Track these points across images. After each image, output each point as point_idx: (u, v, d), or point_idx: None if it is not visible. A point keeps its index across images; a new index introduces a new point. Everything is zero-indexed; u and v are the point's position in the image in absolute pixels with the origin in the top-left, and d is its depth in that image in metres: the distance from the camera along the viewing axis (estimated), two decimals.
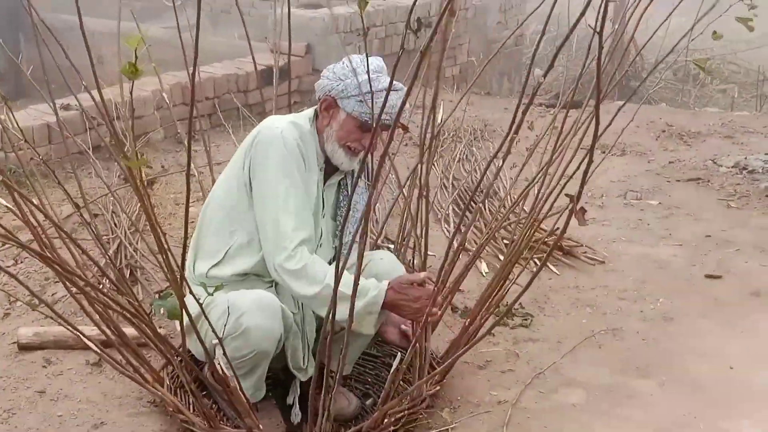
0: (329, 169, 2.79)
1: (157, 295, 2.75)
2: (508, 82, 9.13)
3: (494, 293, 3.08)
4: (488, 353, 3.29)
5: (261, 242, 2.66)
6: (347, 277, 2.36)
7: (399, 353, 2.74)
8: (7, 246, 3.76)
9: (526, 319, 3.57)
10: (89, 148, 4.56)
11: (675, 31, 3.17)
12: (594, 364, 3.25)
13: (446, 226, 4.62)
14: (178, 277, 2.25)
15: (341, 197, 2.84)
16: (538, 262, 4.06)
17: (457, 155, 5.69)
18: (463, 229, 4.55)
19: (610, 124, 2.86)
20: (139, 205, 4.48)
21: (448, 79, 8.00)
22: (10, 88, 7.77)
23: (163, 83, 5.63)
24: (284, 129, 2.64)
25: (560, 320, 3.59)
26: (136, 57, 1.89)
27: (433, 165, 5.51)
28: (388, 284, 2.64)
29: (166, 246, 2.24)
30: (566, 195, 2.41)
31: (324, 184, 2.80)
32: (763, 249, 4.31)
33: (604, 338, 3.44)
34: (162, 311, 2.44)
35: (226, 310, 2.55)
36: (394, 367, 2.61)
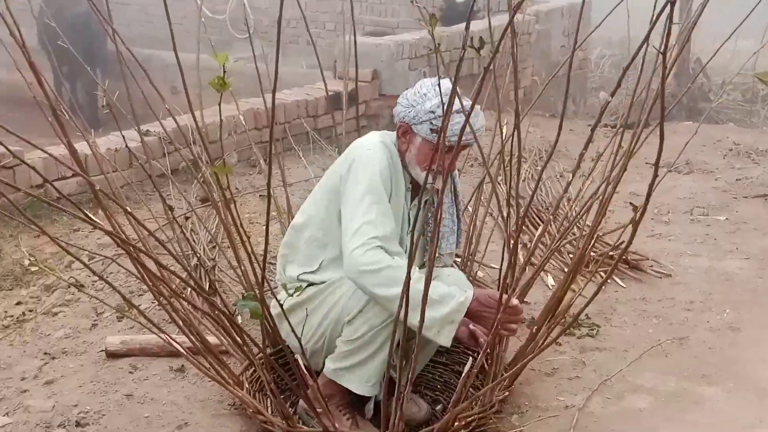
0: (415, 188, 2.93)
1: (241, 296, 2.90)
2: (573, 105, 9.19)
3: (559, 302, 3.18)
4: (555, 361, 3.38)
5: (342, 248, 2.74)
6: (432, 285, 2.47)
7: (471, 358, 2.85)
8: (95, 260, 3.99)
9: (592, 329, 3.64)
10: (168, 171, 4.78)
11: (741, 52, 3.25)
12: (660, 371, 3.31)
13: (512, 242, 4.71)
14: (261, 280, 2.41)
15: (429, 214, 2.90)
16: (603, 275, 4.14)
17: (523, 175, 5.79)
18: (529, 244, 4.66)
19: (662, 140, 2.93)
20: (216, 222, 4.68)
21: (512, 102, 8.10)
22: (86, 118, 8.10)
23: (232, 109, 5.87)
24: (376, 149, 2.80)
25: (626, 330, 3.66)
26: (225, 71, 2.05)
27: (499, 183, 5.63)
28: (473, 294, 2.74)
29: (250, 249, 2.40)
30: (631, 204, 2.53)
31: (410, 203, 2.94)
32: None
33: (671, 347, 3.49)
34: (245, 312, 2.60)
35: (347, 291, 2.76)
36: (466, 370, 2.71)
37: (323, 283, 2.86)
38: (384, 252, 2.64)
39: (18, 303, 3.85)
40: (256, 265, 2.63)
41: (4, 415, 2.94)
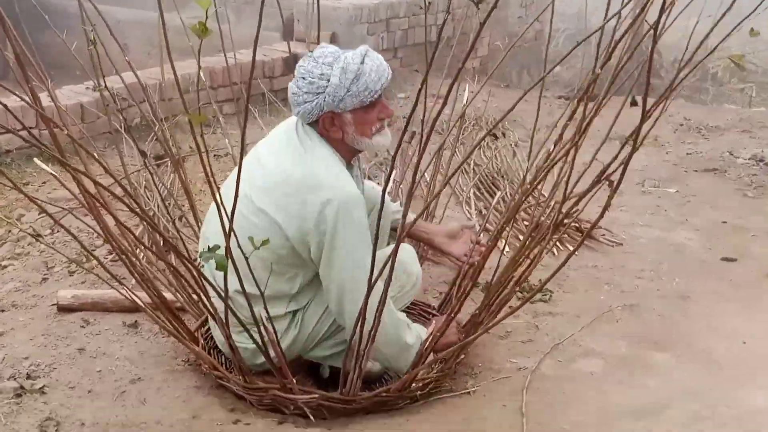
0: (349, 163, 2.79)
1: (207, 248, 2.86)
2: (528, 76, 9.22)
3: (515, 268, 3.19)
4: (509, 325, 3.40)
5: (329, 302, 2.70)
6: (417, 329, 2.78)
7: (433, 320, 2.88)
8: (42, 216, 3.92)
9: (545, 295, 3.68)
10: (122, 127, 4.70)
11: (696, 31, 3.27)
12: (611, 336, 3.36)
13: (467, 208, 4.73)
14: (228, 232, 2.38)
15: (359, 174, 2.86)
16: (559, 244, 4.18)
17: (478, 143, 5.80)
18: (484, 212, 4.69)
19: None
20: (172, 179, 4.63)
21: (468, 70, 8.11)
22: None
23: (191, 67, 5.78)
24: (346, 186, 2.60)
25: (579, 296, 3.70)
26: (207, 16, 2.01)
27: (455, 152, 5.64)
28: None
29: (220, 200, 2.37)
30: (607, 180, 2.55)
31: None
32: None
33: (622, 313, 3.55)
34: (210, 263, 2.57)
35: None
36: (425, 336, 2.75)
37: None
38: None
39: None
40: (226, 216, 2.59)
41: None
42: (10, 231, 4.00)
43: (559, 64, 2.91)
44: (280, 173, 2.62)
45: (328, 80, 2.54)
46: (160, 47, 3.68)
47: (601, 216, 2.41)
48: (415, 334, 2.83)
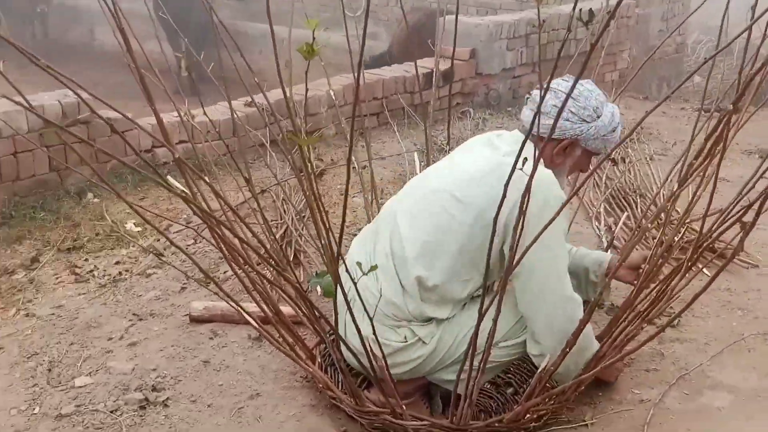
0: None
1: (314, 274, 2.67)
2: (667, 88, 8.63)
3: (641, 294, 2.82)
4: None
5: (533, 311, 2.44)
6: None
7: (547, 355, 2.55)
8: (190, 224, 3.83)
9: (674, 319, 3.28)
10: (267, 142, 4.61)
11: None
12: (742, 367, 2.94)
13: (597, 223, 4.35)
14: (335, 256, 2.17)
15: None
16: (694, 267, 3.75)
17: (612, 156, 5.38)
18: (613, 227, 4.29)
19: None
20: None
21: (607, 83, 7.64)
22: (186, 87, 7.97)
23: (335, 84, 5.63)
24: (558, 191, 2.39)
25: (709, 322, 3.29)
26: (314, 38, 1.84)
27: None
28: None
29: (327, 225, 2.17)
30: (740, 222, 2.21)
31: None
32: None
33: (755, 342, 3.11)
34: (318, 289, 2.39)
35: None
36: (541, 367, 2.42)
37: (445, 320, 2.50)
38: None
39: (117, 263, 3.72)
40: (333, 240, 2.37)
41: (86, 375, 2.80)
42: (158, 239, 3.93)
43: (695, 74, 2.57)
44: (489, 163, 2.44)
45: (599, 116, 2.45)
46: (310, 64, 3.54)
47: (750, 229, 2.05)
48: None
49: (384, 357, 2.33)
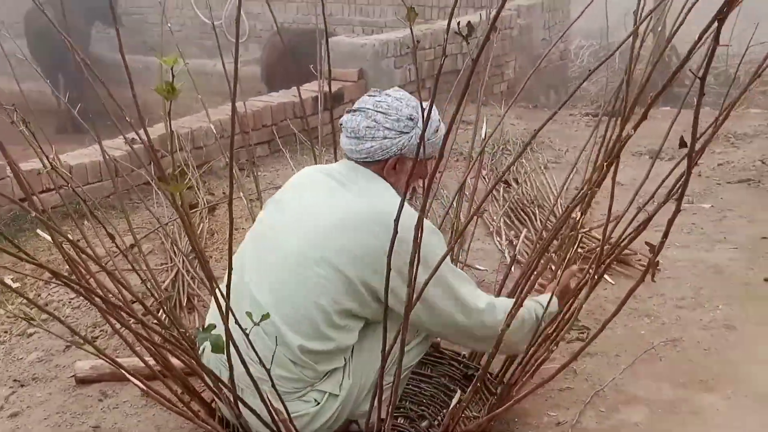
0: None
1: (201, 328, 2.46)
2: (555, 95, 8.73)
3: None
4: (545, 370, 2.94)
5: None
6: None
7: (458, 390, 2.41)
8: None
9: (582, 332, 3.21)
10: (153, 180, 4.36)
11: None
12: (655, 378, 2.89)
13: (498, 239, 4.27)
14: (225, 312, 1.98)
15: None
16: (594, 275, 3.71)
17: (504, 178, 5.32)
18: (515, 241, 4.22)
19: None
20: (199, 232, 4.25)
21: (496, 95, 7.66)
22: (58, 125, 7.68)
23: (220, 113, 5.43)
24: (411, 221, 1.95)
25: (618, 332, 3.22)
26: (173, 76, 1.65)
27: (483, 178, 5.20)
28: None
29: (213, 283, 1.97)
30: (647, 244, 2.13)
31: None
32: None
33: (664, 350, 3.07)
34: (203, 347, 2.20)
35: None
36: (453, 402, 2.28)
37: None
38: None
39: None
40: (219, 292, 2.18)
41: None
42: (39, 295, 3.65)
43: (584, 80, 2.53)
44: (341, 211, 2.21)
45: (416, 122, 2.24)
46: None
47: (660, 248, 1.95)
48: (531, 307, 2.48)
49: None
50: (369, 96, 2.30)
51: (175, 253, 3.86)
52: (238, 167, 5.52)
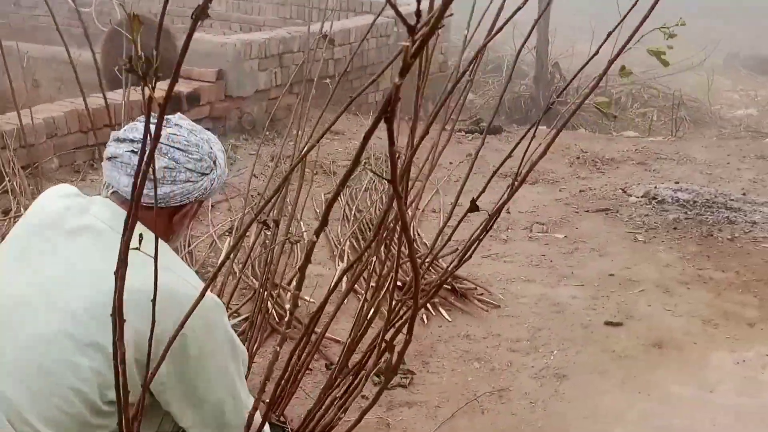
0: None
1: None
2: (432, 106, 8.54)
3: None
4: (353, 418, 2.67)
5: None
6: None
7: None
8: None
9: (405, 377, 2.95)
10: None
11: (601, 57, 2.61)
12: None
13: (341, 263, 3.99)
14: None
15: None
16: (430, 308, 3.47)
17: (366, 184, 5.06)
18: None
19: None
20: None
21: (371, 104, 7.39)
22: None
23: (56, 110, 4.98)
24: (195, 286, 1.65)
25: (444, 378, 2.98)
26: None
27: (341, 196, 4.92)
28: None
29: None
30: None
31: None
32: (666, 289, 3.74)
33: (489, 401, 2.83)
34: None
35: None
36: None
37: None
38: None
39: None
40: None
41: None
42: None
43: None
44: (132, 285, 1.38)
45: (215, 161, 1.80)
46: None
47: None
48: None
49: None
50: (141, 121, 1.77)
51: None
52: (73, 169, 5.08)
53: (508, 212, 4.65)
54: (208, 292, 1.52)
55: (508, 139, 6.91)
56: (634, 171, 5.91)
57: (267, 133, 6.23)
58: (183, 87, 5.63)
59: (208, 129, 1.93)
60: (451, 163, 5.67)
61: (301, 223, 4.31)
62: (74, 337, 1.61)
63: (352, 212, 4.64)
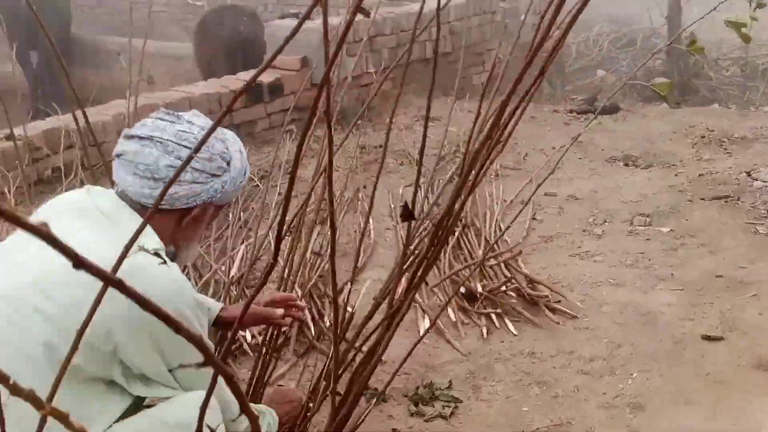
0: None
1: None
2: (549, 87, 7.93)
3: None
4: None
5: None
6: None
7: None
8: None
9: (448, 405, 2.52)
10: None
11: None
12: None
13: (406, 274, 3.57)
14: None
15: None
16: (494, 318, 3.02)
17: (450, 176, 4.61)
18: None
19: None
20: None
21: (476, 86, 6.91)
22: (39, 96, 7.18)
23: (122, 107, 4.80)
24: (178, 281, 1.61)
25: (494, 407, 2.52)
26: None
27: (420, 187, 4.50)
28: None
29: None
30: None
31: None
32: None
33: None
34: None
35: None
36: None
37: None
38: None
39: None
40: None
41: None
42: None
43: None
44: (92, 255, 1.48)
45: (229, 162, 1.71)
46: None
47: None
48: None
49: None
50: (161, 120, 1.65)
51: None
52: None
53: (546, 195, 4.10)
54: (169, 275, 1.56)
55: (626, 118, 6.26)
56: (764, 150, 5.17)
57: (360, 122, 5.89)
58: (264, 76, 5.36)
59: (294, 120, 1.73)
60: (553, 147, 5.15)
61: (371, 220, 3.95)
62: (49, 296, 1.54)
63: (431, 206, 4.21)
